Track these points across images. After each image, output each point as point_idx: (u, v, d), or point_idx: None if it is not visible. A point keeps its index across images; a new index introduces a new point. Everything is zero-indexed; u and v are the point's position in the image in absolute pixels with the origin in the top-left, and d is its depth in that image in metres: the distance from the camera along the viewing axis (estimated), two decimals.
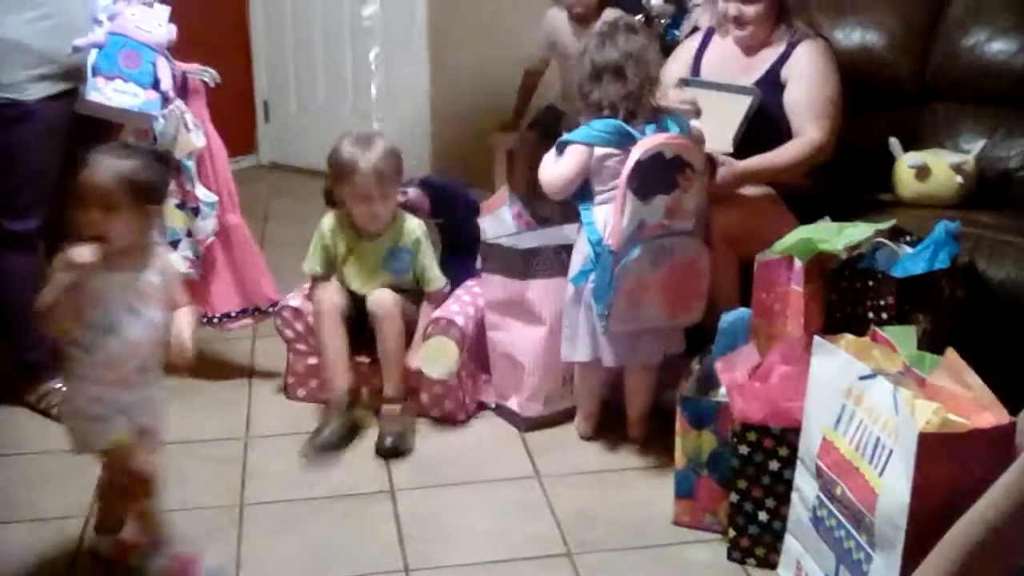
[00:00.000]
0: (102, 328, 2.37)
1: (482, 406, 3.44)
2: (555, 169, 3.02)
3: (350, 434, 3.22)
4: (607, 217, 2.92)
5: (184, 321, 2.50)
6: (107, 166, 2.36)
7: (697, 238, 3.00)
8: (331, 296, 3.28)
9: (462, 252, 3.56)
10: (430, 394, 3.34)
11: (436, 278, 3.38)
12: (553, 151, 3.03)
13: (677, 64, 3.57)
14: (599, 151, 2.96)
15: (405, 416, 3.27)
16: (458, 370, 3.27)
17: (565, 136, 3.01)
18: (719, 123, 3.25)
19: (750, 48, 3.46)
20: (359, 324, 3.31)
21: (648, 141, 2.88)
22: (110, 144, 2.65)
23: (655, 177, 2.86)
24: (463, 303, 3.39)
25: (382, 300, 3.25)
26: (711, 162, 3.13)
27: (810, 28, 3.47)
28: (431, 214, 3.52)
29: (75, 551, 2.73)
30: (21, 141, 3.20)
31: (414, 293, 3.38)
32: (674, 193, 2.89)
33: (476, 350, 3.41)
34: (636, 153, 2.84)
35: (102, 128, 3.39)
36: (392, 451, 3.14)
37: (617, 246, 2.87)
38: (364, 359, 3.37)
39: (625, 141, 2.92)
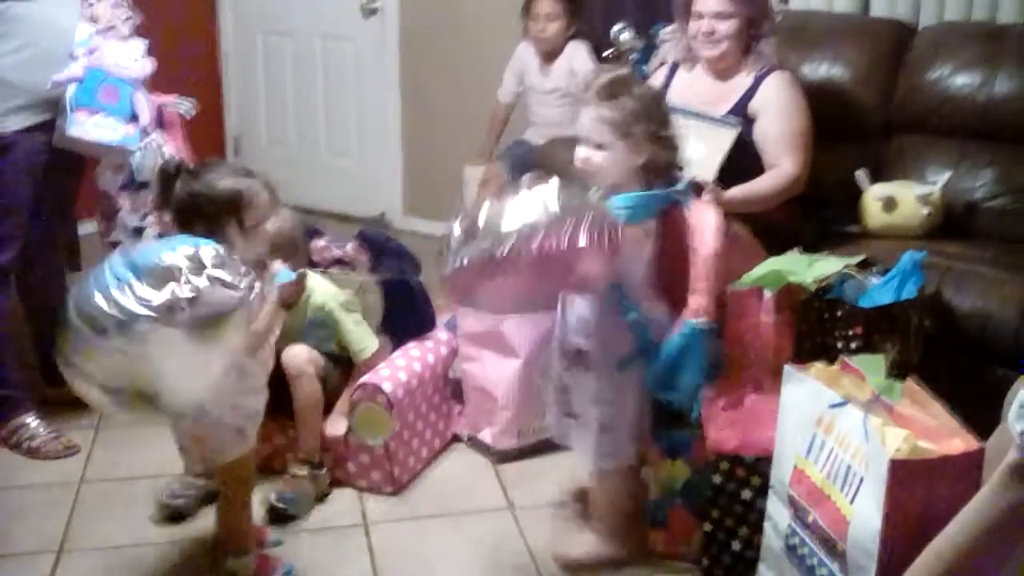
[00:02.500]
0: None
1: (455, 438, 3.43)
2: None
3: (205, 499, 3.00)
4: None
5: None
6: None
7: None
8: None
9: (403, 310, 3.41)
10: (356, 463, 3.15)
11: (363, 348, 3.21)
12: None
13: None
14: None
15: (307, 482, 3.07)
16: (385, 441, 3.10)
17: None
18: (705, 152, 3.28)
19: (719, 72, 3.48)
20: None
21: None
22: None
23: None
24: (395, 367, 3.20)
25: (294, 357, 3.06)
26: (696, 188, 3.16)
27: (776, 53, 3.48)
28: (371, 269, 3.41)
29: None
30: None
31: (344, 358, 3.24)
32: None
33: (412, 416, 3.22)
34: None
35: (77, 161, 3.41)
36: (277, 512, 2.97)
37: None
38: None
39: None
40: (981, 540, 1.44)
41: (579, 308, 2.62)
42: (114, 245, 3.63)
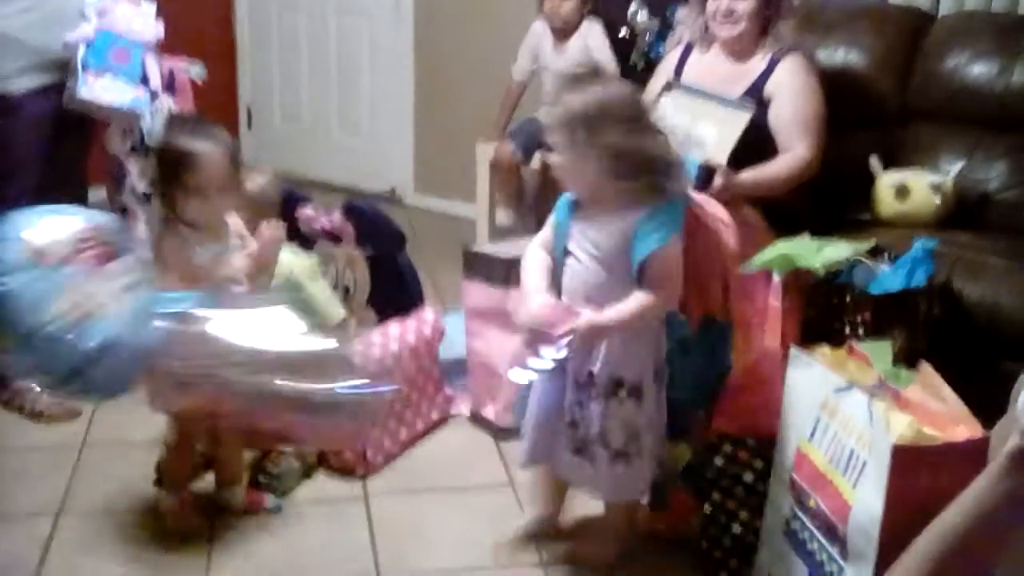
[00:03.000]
0: None
1: (447, 419, 3.40)
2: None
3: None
4: None
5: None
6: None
7: None
8: None
9: (389, 286, 3.36)
10: None
11: (328, 317, 3.16)
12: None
13: (660, 79, 3.58)
14: None
15: (291, 458, 3.02)
16: None
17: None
18: (716, 134, 3.26)
19: (735, 53, 3.45)
20: None
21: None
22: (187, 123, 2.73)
23: None
24: (369, 345, 3.10)
25: None
26: (708, 171, 3.14)
27: (793, 35, 3.44)
28: (357, 242, 3.35)
29: (45, 547, 2.71)
30: (5, 135, 3.19)
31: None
32: None
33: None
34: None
35: (87, 123, 3.39)
36: (262, 488, 2.95)
37: None
38: None
39: None
40: (979, 525, 1.43)
41: (623, 335, 2.48)
42: (123, 210, 3.63)
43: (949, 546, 1.43)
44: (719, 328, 2.67)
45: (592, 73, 2.57)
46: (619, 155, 2.38)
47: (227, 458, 2.88)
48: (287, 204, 3.31)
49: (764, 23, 3.41)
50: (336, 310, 3.21)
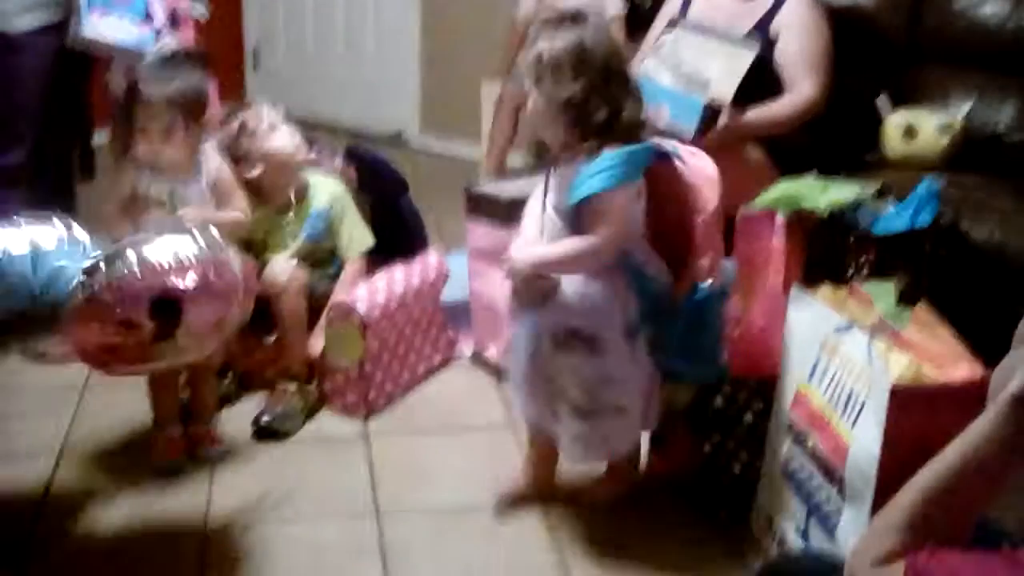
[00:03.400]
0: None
1: (447, 361, 3.41)
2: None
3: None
4: None
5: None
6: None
7: None
8: None
9: (388, 233, 3.32)
10: (332, 383, 3.10)
11: (364, 244, 3.17)
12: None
13: (664, 17, 3.53)
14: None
15: (294, 398, 3.04)
16: (361, 361, 3.03)
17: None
18: (720, 73, 3.22)
19: None
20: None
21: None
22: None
23: None
24: (373, 289, 3.10)
25: (274, 273, 3.00)
26: (713, 111, 3.10)
27: None
28: (357, 188, 3.33)
29: (46, 486, 2.73)
30: (7, 74, 3.18)
31: (329, 271, 3.18)
32: None
33: (393, 339, 3.16)
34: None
35: (89, 62, 3.37)
36: (263, 430, 2.95)
37: None
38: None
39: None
40: (974, 468, 1.42)
41: (576, 284, 2.40)
42: (125, 150, 3.61)
43: (943, 488, 1.43)
44: (710, 293, 2.46)
45: (572, 17, 2.34)
46: (581, 107, 2.28)
47: (198, 390, 2.89)
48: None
49: None
50: (368, 236, 3.21)
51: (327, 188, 3.16)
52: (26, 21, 3.16)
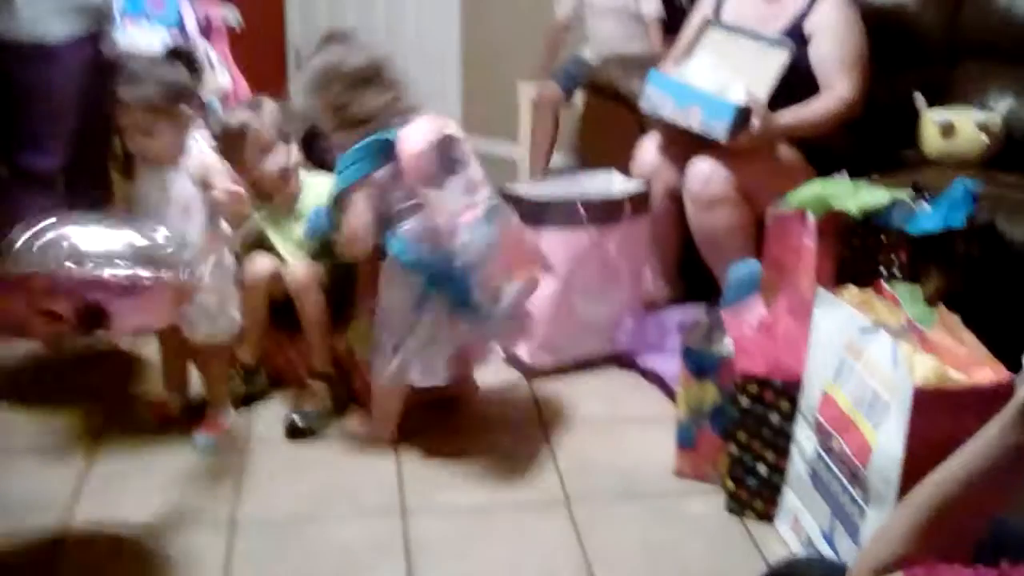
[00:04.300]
0: None
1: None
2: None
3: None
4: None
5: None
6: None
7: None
8: (255, 269, 3.02)
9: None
10: (362, 379, 3.05)
11: None
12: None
13: (697, 18, 3.51)
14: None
15: (321, 397, 3.05)
16: None
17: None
18: (753, 74, 3.20)
19: None
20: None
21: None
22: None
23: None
24: None
25: (294, 273, 2.99)
26: (745, 112, 3.09)
27: None
28: None
29: (80, 480, 2.76)
30: (42, 81, 3.20)
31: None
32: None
33: None
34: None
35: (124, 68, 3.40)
36: (292, 430, 2.96)
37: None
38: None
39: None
40: (983, 475, 1.40)
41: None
42: None
43: (951, 494, 1.41)
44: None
45: (335, 37, 2.84)
46: (339, 111, 2.73)
47: (204, 375, 3.01)
48: (309, 137, 3.30)
49: None
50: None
51: (316, 196, 3.05)
52: (59, 27, 3.17)
